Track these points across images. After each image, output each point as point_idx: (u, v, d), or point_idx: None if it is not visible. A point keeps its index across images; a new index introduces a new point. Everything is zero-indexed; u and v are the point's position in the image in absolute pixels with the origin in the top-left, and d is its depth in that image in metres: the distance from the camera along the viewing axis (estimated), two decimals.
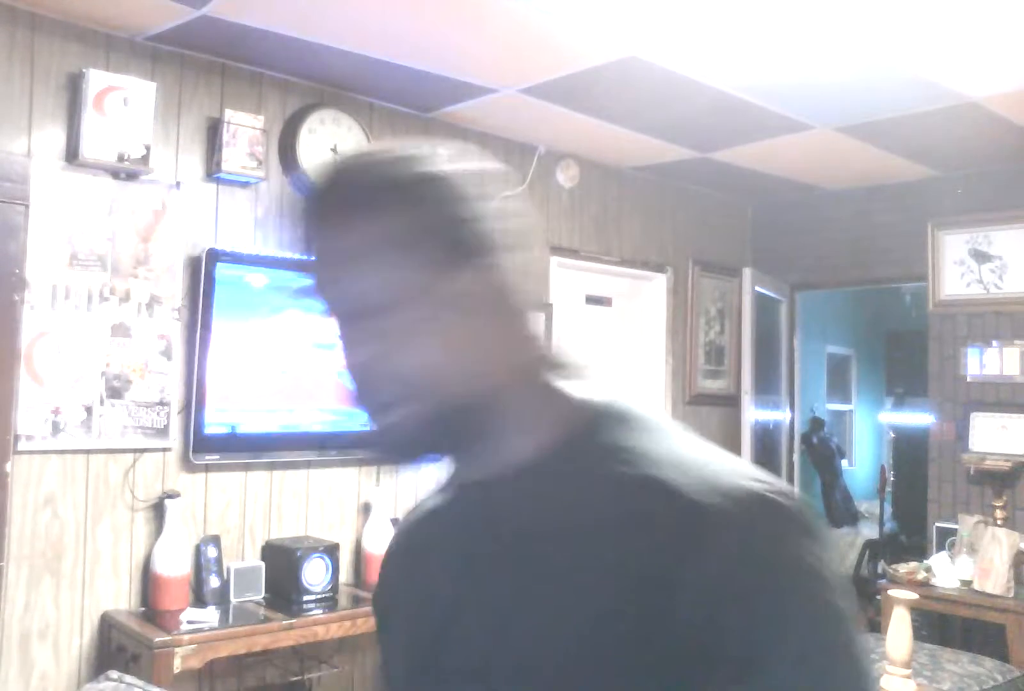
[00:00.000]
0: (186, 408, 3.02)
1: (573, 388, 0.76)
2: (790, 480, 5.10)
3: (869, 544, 6.13)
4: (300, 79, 3.32)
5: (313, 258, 0.74)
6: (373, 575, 3.18)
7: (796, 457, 5.30)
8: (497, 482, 0.75)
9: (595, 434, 0.73)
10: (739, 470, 0.66)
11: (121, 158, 2.84)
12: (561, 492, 0.71)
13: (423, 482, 3.59)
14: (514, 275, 0.74)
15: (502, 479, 0.75)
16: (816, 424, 7.10)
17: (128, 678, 1.95)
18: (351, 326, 0.74)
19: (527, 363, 0.75)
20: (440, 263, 0.71)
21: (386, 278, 0.71)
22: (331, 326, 0.76)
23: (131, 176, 2.92)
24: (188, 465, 3.03)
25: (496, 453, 0.75)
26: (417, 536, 0.86)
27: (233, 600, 3.00)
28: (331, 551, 3.09)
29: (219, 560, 3.02)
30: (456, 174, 0.75)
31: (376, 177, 0.73)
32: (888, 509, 6.63)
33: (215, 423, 3.03)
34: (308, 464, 3.32)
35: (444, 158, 0.75)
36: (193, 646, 2.62)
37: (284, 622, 2.82)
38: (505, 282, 0.73)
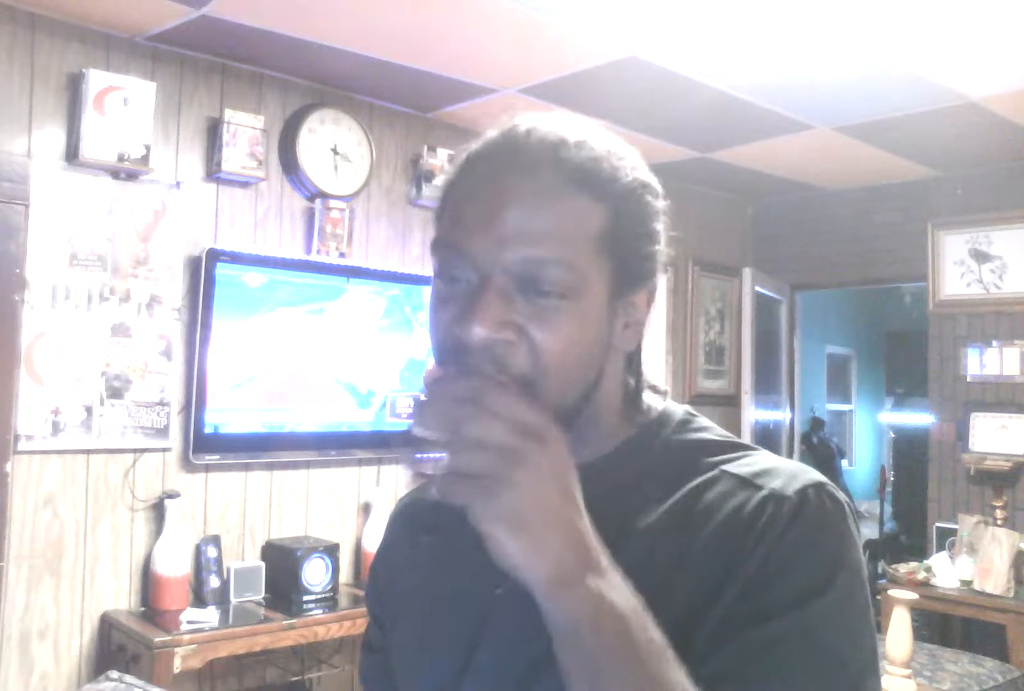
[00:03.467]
0: (186, 408, 3.02)
1: (651, 398, 0.83)
2: None
3: (869, 544, 6.13)
4: (300, 79, 3.32)
5: (507, 215, 0.68)
6: None
7: (796, 457, 5.30)
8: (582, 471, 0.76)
9: (672, 436, 0.79)
10: (801, 466, 0.75)
11: (121, 158, 2.84)
12: (644, 489, 0.76)
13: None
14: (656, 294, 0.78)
15: (586, 468, 0.76)
16: (816, 424, 7.10)
17: (128, 678, 1.94)
18: (508, 296, 0.68)
19: (639, 386, 0.81)
20: (630, 271, 0.73)
21: (581, 265, 0.69)
22: (465, 287, 0.70)
23: (131, 176, 2.92)
24: (188, 465, 3.03)
25: (584, 444, 0.76)
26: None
27: (233, 600, 2.99)
28: (331, 551, 3.09)
29: (219, 560, 3.02)
30: (655, 186, 0.76)
31: (601, 166, 0.71)
32: (888, 509, 6.64)
33: (215, 423, 3.03)
34: (308, 464, 3.32)
35: (645, 165, 0.76)
36: (193, 646, 2.62)
37: (284, 622, 2.82)
38: (653, 304, 0.77)
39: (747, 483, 0.72)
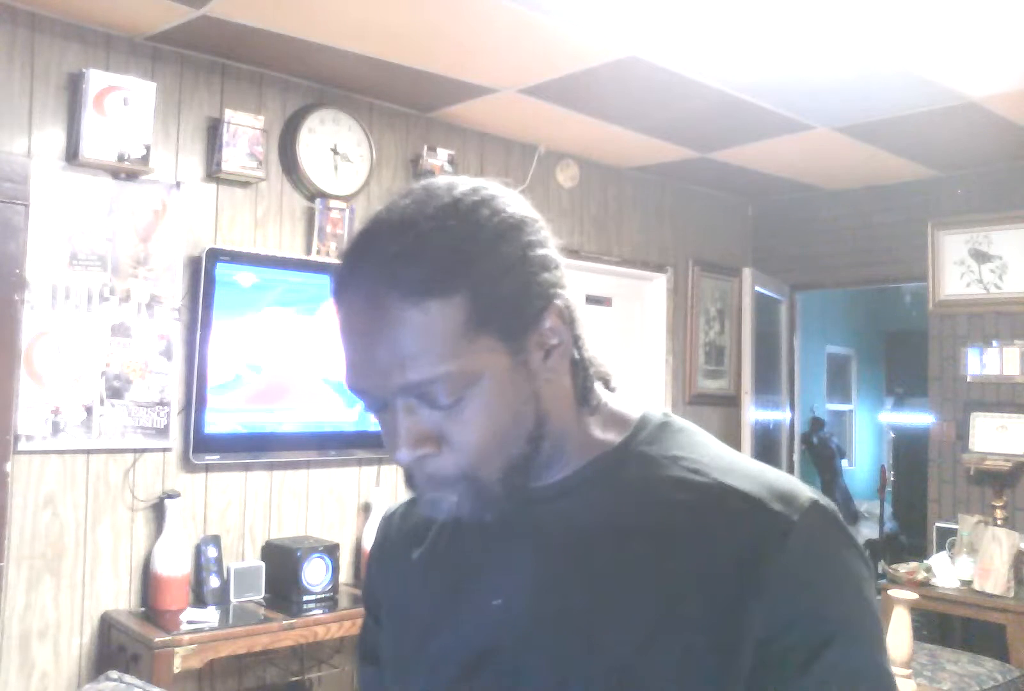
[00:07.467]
0: (186, 408, 3.01)
1: (617, 402, 0.81)
2: None
3: (869, 544, 6.14)
4: (300, 79, 3.32)
5: (374, 353, 0.69)
6: None
7: (796, 457, 5.30)
8: (559, 491, 0.76)
9: (652, 443, 0.78)
10: (787, 477, 0.75)
11: (121, 158, 2.84)
12: (631, 496, 0.75)
13: None
14: (572, 302, 0.75)
15: (565, 488, 0.76)
16: (816, 424, 7.10)
17: (128, 678, 1.94)
18: (415, 414, 0.70)
19: (588, 386, 0.78)
20: (517, 323, 0.71)
21: (462, 363, 0.68)
22: (383, 411, 0.73)
23: (131, 176, 2.92)
24: (188, 465, 3.03)
25: (553, 465, 0.76)
26: (447, 540, 0.84)
27: (233, 600, 2.99)
28: (331, 551, 3.09)
29: (219, 560, 3.02)
30: (515, 219, 0.72)
31: (440, 263, 0.68)
32: (888, 509, 6.64)
33: (215, 423, 3.03)
34: (308, 464, 3.32)
35: (499, 195, 0.73)
36: (193, 646, 2.62)
37: (284, 622, 2.82)
38: (573, 314, 0.75)
39: (755, 502, 0.71)
